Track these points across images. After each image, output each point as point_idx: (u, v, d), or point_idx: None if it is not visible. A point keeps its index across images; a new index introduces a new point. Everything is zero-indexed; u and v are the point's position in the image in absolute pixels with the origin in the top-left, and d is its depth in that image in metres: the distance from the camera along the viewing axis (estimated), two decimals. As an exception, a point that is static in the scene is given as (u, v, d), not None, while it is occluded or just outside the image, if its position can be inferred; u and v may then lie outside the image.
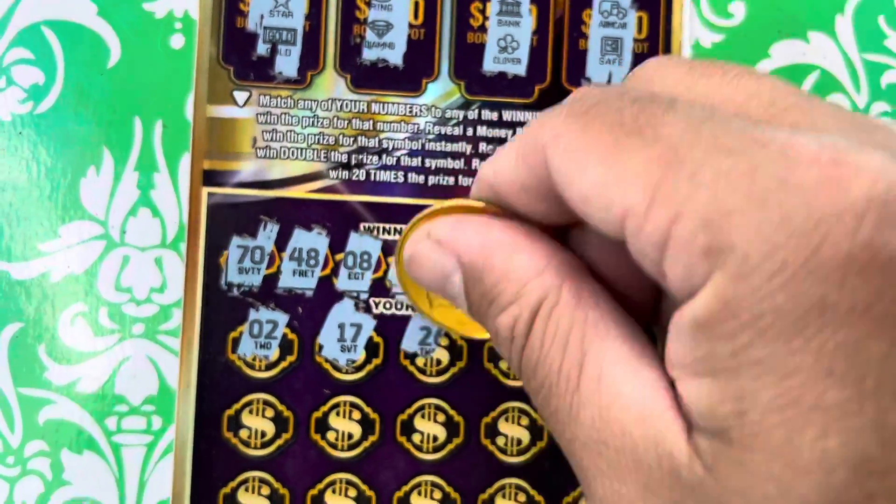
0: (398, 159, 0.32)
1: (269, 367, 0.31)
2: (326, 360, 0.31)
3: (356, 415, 0.31)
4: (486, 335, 0.22)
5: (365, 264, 0.31)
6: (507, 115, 0.32)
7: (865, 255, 0.14)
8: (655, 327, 0.22)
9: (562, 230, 0.21)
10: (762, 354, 0.15)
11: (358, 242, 0.31)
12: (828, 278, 0.14)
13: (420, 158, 0.32)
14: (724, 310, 0.15)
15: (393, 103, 0.32)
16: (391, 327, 0.31)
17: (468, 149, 0.32)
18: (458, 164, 0.32)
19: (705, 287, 0.15)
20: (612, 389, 0.18)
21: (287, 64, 0.32)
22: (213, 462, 0.31)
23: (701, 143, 0.16)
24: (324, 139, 0.32)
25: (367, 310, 0.31)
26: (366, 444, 0.31)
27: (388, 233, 0.32)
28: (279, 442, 0.31)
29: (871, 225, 0.14)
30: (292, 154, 0.31)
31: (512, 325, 0.19)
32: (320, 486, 0.31)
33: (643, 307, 0.21)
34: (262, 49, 0.32)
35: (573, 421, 0.18)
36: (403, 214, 0.32)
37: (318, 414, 0.31)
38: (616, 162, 0.17)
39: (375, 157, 0.32)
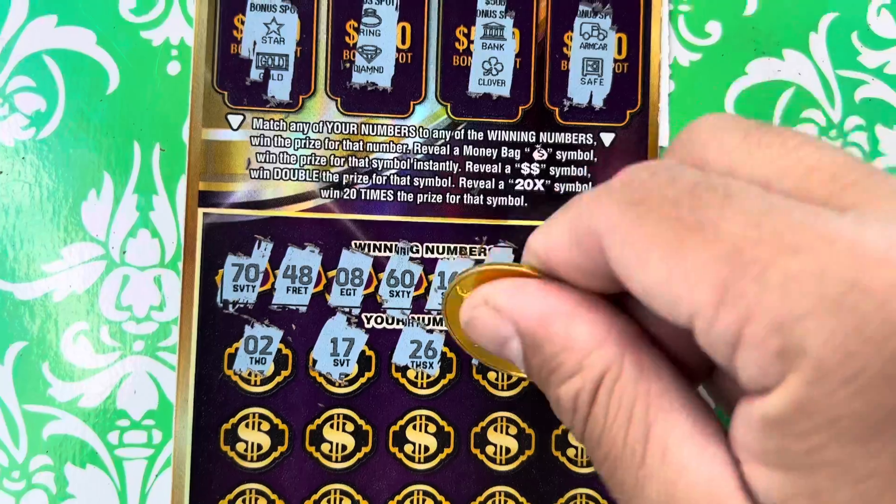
0: (388, 178, 0.33)
1: (265, 381, 0.32)
2: (320, 374, 0.32)
3: (349, 427, 0.32)
4: None
5: (357, 280, 0.33)
6: (493, 135, 0.33)
7: None
8: (709, 388, 0.23)
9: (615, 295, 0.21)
10: (839, 456, 0.15)
11: (350, 259, 0.33)
12: None
13: (409, 178, 0.33)
14: (798, 411, 0.15)
15: (382, 125, 0.33)
16: (383, 341, 0.32)
17: (455, 168, 0.33)
18: (446, 182, 0.33)
19: (779, 388, 0.15)
20: (679, 465, 0.17)
21: (279, 88, 0.33)
22: (210, 475, 0.32)
23: (765, 241, 0.16)
24: (315, 160, 0.33)
25: (360, 324, 0.32)
26: (359, 455, 0.32)
27: (379, 250, 0.33)
28: (275, 454, 0.32)
29: None
30: (285, 175, 0.33)
31: (574, 396, 0.19)
32: (315, 496, 0.32)
33: (698, 370, 0.21)
34: (255, 74, 0.33)
35: (639, 494, 0.18)
36: (394, 232, 0.33)
37: (312, 427, 0.32)
38: (679, 259, 0.16)
39: (366, 177, 0.33)
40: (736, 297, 0.16)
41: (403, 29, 0.33)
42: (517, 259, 0.33)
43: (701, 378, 0.21)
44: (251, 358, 0.32)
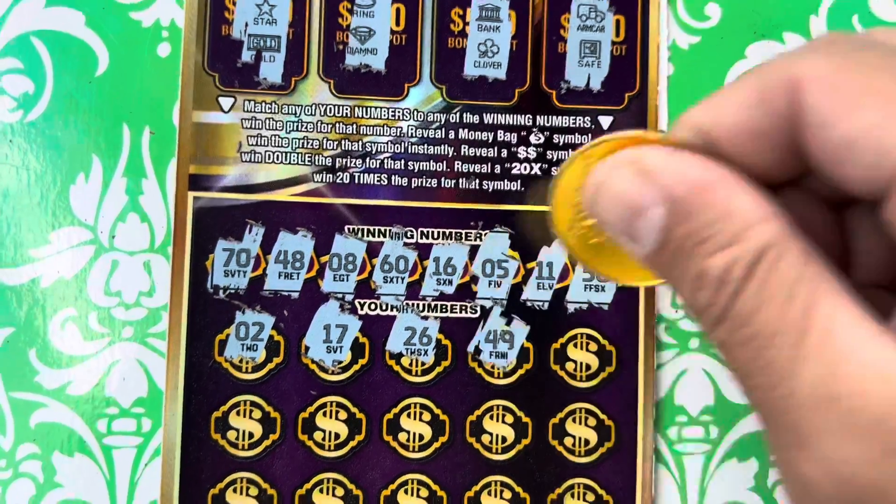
0: (381, 162, 0.32)
1: (256, 368, 0.31)
2: (313, 361, 0.32)
3: (343, 415, 0.32)
4: (647, 281, 0.21)
5: (350, 266, 0.32)
6: (488, 118, 0.32)
7: None
8: None
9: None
10: None
11: (343, 244, 0.32)
12: None
13: (403, 161, 0.32)
14: None
15: (376, 108, 0.32)
16: (376, 328, 0.32)
17: (450, 151, 0.32)
18: (441, 166, 0.32)
19: None
20: (847, 345, 0.17)
21: (271, 70, 0.32)
22: (201, 463, 0.31)
23: None
24: (308, 143, 0.32)
25: (353, 311, 0.32)
26: (352, 443, 0.32)
27: (373, 234, 0.32)
28: (266, 443, 0.31)
29: None
30: (277, 158, 0.32)
31: (727, 267, 0.18)
32: (308, 485, 0.31)
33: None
34: (246, 56, 0.32)
35: (792, 375, 0.17)
36: (387, 216, 0.32)
37: (304, 414, 0.31)
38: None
39: (359, 161, 0.32)
40: None
41: (398, 10, 0.33)
42: (513, 245, 0.32)
43: None
44: (242, 344, 0.31)
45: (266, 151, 0.32)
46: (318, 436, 0.31)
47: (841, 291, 0.18)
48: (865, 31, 0.20)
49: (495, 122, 0.32)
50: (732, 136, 0.19)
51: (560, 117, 0.32)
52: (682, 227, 0.19)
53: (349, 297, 0.32)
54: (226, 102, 0.32)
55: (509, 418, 0.32)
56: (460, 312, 0.32)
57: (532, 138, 0.32)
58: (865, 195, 0.17)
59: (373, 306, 0.32)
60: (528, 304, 0.32)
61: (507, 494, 0.32)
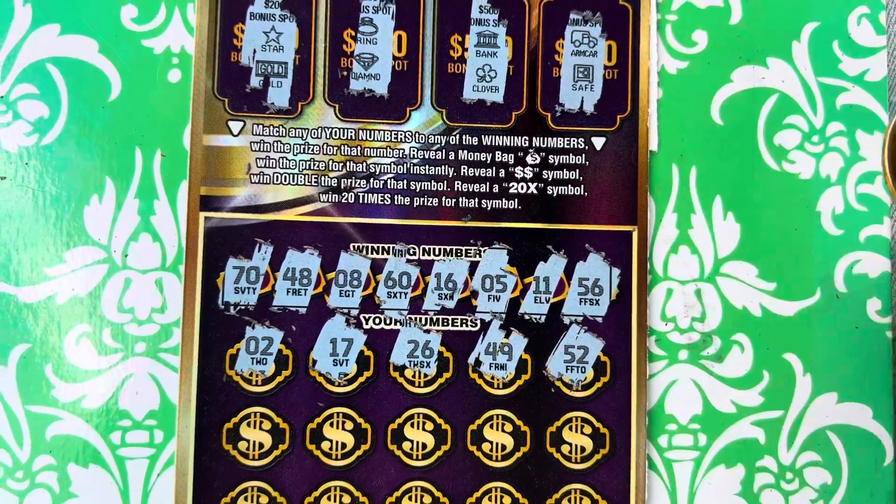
0: (385, 182, 0.34)
1: (266, 381, 0.33)
2: (320, 374, 0.33)
3: (349, 425, 0.33)
4: None
5: (355, 282, 0.33)
6: (487, 140, 0.34)
7: None
8: None
9: None
10: None
11: (348, 262, 0.33)
12: None
13: (405, 182, 0.34)
14: None
15: (379, 130, 0.34)
16: (381, 341, 0.33)
17: (450, 172, 0.34)
18: (441, 186, 0.34)
19: None
20: None
21: (279, 95, 0.34)
22: (213, 473, 0.32)
23: None
24: (314, 165, 0.33)
25: (358, 325, 0.33)
26: (358, 452, 0.33)
27: (377, 252, 0.33)
28: (276, 452, 0.33)
29: None
30: (285, 179, 0.33)
31: None
32: (316, 493, 0.33)
33: None
34: (254, 81, 0.34)
35: None
36: (391, 234, 0.33)
37: (312, 425, 0.33)
38: None
39: (363, 181, 0.34)
40: None
41: (399, 37, 0.34)
42: (511, 261, 0.34)
43: None
44: (252, 358, 0.33)
45: (274, 173, 0.33)
46: (325, 445, 0.33)
47: None
48: None
49: (493, 143, 0.34)
50: None
51: (555, 138, 0.34)
52: None
53: (354, 312, 0.33)
54: (235, 126, 0.33)
55: (508, 427, 0.33)
56: (461, 326, 0.33)
57: (528, 159, 0.34)
58: None
59: (377, 321, 0.33)
60: (526, 317, 0.34)
61: (507, 500, 0.33)
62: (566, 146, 0.34)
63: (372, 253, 0.33)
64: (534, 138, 0.34)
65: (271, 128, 0.33)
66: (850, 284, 0.35)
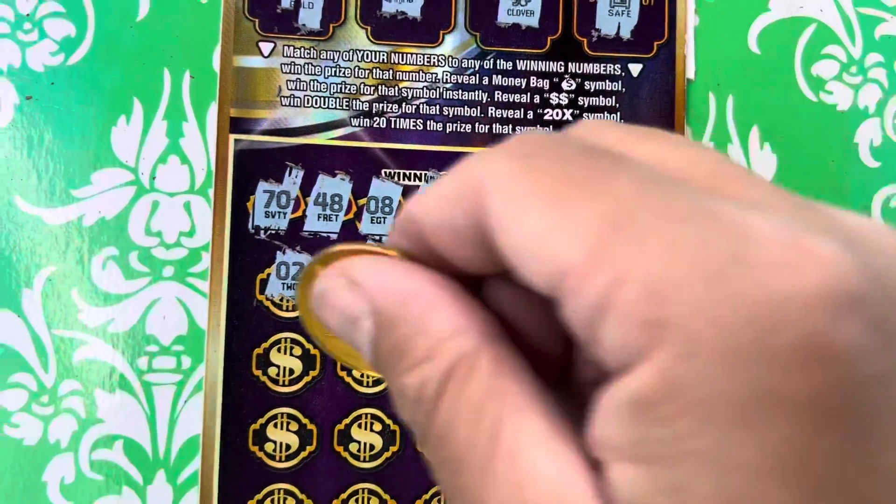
0: (417, 108, 0.33)
1: (296, 306, 0.32)
2: (351, 300, 0.32)
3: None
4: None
5: (387, 209, 0.33)
6: (521, 65, 0.33)
7: (817, 345, 0.13)
8: (563, 393, 0.21)
9: (478, 281, 0.20)
10: (705, 444, 0.14)
11: (380, 188, 0.33)
12: (779, 367, 0.14)
13: (438, 107, 0.33)
14: (665, 390, 0.14)
15: (412, 54, 0.33)
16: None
17: (484, 97, 0.33)
18: (475, 111, 0.33)
19: (645, 363, 0.14)
20: (528, 469, 0.16)
21: (310, 16, 0.33)
22: (242, 399, 0.32)
23: (652, 206, 0.15)
24: (346, 88, 0.33)
25: (390, 252, 0.33)
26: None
27: (409, 178, 0.33)
28: (307, 379, 0.32)
29: (825, 314, 0.14)
30: (315, 103, 0.33)
31: (420, 386, 0.17)
32: (347, 420, 0.32)
33: (553, 369, 0.20)
34: (286, 2, 0.33)
35: (484, 502, 0.17)
36: (423, 161, 0.33)
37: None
38: (560, 213, 0.15)
39: (395, 106, 0.33)
40: (612, 257, 0.15)
41: (434, -41, 0.33)
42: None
43: (555, 378, 0.20)
44: (283, 284, 0.32)
45: (305, 96, 0.33)
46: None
47: (528, 403, 0.17)
48: (567, 128, 0.20)
49: (528, 68, 0.33)
50: (437, 232, 0.18)
51: (591, 64, 0.33)
52: (386, 341, 0.18)
53: (386, 240, 0.33)
54: (266, 47, 0.33)
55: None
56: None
57: (564, 85, 0.33)
58: (541, 292, 0.16)
59: (409, 248, 0.33)
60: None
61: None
62: (602, 72, 0.33)
63: (404, 179, 0.33)
64: (569, 64, 0.33)
65: (302, 49, 0.33)
66: (887, 217, 0.35)
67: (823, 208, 0.16)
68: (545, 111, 0.33)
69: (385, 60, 0.33)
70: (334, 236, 0.32)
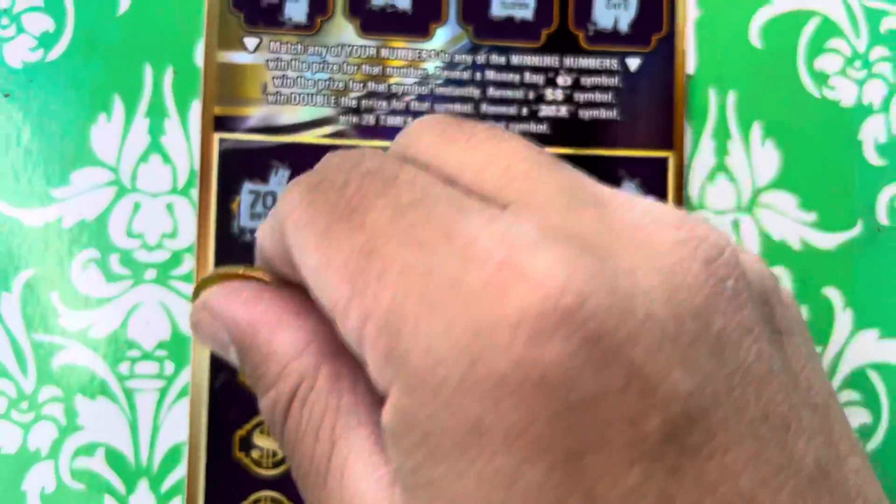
0: (407, 104, 0.32)
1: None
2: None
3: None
4: None
5: (376, 209, 0.32)
6: (516, 60, 0.32)
7: (518, 373, 0.13)
8: None
9: None
10: (434, 476, 0.14)
11: (369, 187, 0.32)
12: (483, 398, 0.13)
13: (429, 103, 0.32)
14: (402, 423, 0.14)
15: (401, 48, 0.32)
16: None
17: (476, 93, 0.32)
18: (467, 108, 0.32)
19: (389, 396, 0.15)
20: (353, 486, 0.16)
21: (296, 10, 0.32)
22: (228, 405, 0.31)
23: (398, 234, 0.15)
24: (333, 84, 0.32)
25: (379, 253, 0.32)
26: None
27: (399, 177, 0.32)
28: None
29: (524, 339, 0.13)
30: (302, 100, 0.32)
31: (272, 408, 0.18)
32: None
33: None
34: (271, -5, 0.32)
35: None
36: (413, 159, 0.32)
37: None
38: (327, 249, 0.16)
39: (385, 102, 0.32)
40: (362, 292, 0.15)
41: (424, -50, 0.32)
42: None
43: None
44: (268, 286, 0.31)
45: (291, 93, 0.32)
46: None
47: (361, 419, 0.17)
48: (404, 128, 0.20)
49: (522, 63, 0.32)
50: (272, 258, 0.19)
51: (588, 59, 0.32)
52: (247, 367, 0.19)
53: (375, 240, 0.32)
54: (251, 42, 0.32)
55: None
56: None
57: (559, 80, 0.32)
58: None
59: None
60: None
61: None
62: (599, 67, 0.32)
63: (394, 178, 0.32)
64: (565, 58, 0.32)
65: (289, 45, 0.32)
66: (892, 217, 0.34)
67: (608, 204, 0.16)
68: (540, 107, 0.32)
69: (374, 55, 0.32)
70: (322, 237, 0.31)
